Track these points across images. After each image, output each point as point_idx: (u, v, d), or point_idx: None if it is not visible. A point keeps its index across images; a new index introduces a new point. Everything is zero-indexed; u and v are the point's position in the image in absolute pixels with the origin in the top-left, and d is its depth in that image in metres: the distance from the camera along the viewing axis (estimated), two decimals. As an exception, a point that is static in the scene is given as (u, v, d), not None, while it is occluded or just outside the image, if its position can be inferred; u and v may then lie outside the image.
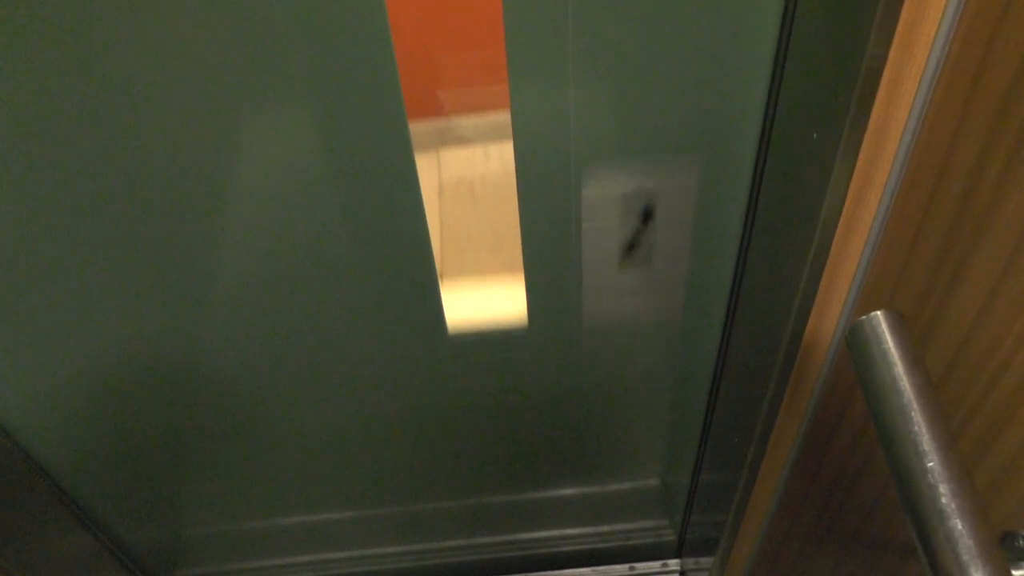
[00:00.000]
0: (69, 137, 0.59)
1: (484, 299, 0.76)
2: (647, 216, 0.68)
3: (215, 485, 0.96)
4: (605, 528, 1.12)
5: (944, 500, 0.43)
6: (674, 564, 1.17)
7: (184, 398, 0.82)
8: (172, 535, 1.04)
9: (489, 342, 0.80)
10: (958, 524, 0.42)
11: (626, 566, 1.16)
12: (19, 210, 0.63)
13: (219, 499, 0.99)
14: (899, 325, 0.49)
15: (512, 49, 0.57)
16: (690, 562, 1.12)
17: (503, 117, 0.61)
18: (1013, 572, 0.57)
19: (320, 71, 0.57)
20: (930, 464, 0.44)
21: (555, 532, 1.12)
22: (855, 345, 0.51)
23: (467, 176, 0.66)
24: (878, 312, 0.50)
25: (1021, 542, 0.50)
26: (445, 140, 0.64)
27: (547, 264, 0.72)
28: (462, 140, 0.63)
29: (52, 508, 0.90)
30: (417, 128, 0.61)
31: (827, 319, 0.64)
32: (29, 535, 0.86)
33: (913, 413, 0.46)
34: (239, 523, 1.03)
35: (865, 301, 0.62)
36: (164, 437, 0.87)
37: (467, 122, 0.62)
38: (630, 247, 0.70)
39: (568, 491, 1.04)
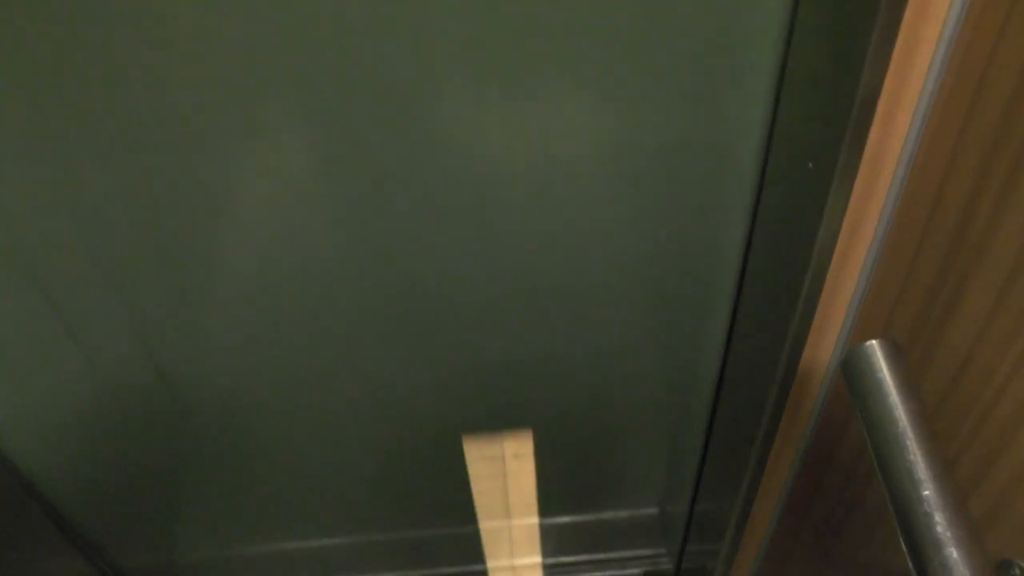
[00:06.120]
0: (70, 152, 0.59)
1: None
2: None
3: (210, 509, 0.95)
4: (601, 556, 1.12)
5: (939, 529, 0.43)
6: (670, 592, 1.16)
7: (180, 422, 0.82)
8: (166, 559, 1.03)
9: (487, 373, 0.80)
10: (953, 553, 0.42)
11: (622, 594, 1.16)
12: (16, 228, 0.64)
13: (214, 523, 0.98)
14: (894, 353, 0.50)
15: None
16: (686, 590, 1.12)
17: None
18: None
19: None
20: (925, 493, 0.44)
21: (551, 560, 1.12)
22: (850, 373, 0.51)
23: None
24: (873, 341, 0.50)
25: (1017, 571, 0.49)
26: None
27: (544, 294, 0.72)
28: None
29: (46, 530, 0.90)
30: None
31: (823, 347, 0.64)
32: (23, 557, 0.86)
33: (908, 442, 0.46)
34: (233, 548, 1.03)
35: (861, 330, 0.62)
36: (159, 460, 0.87)
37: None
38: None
39: (564, 519, 1.04)
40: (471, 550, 1.08)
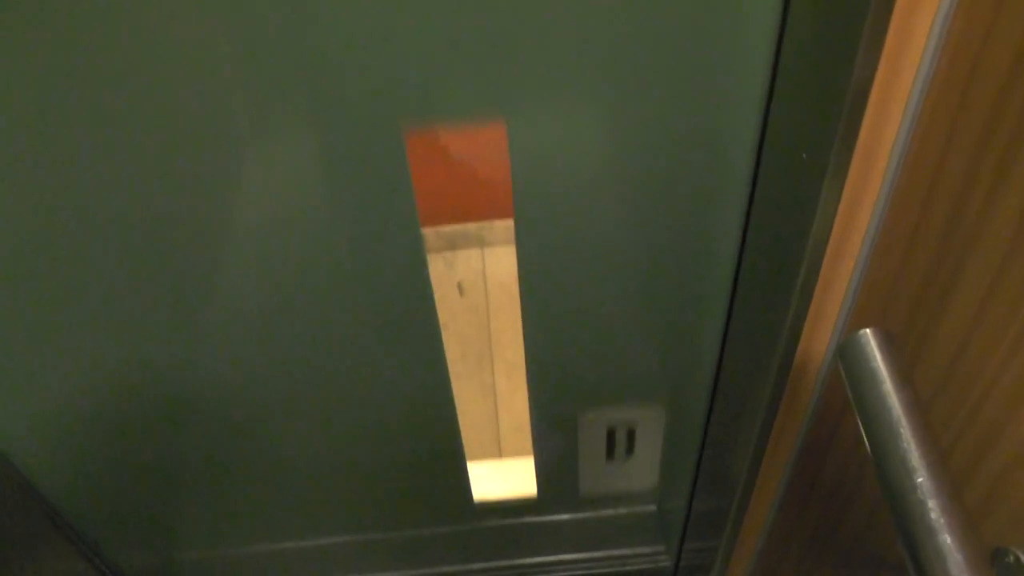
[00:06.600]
0: (70, 152, 0.59)
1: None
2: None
3: (209, 508, 0.95)
4: (600, 554, 1.12)
5: (933, 515, 0.43)
6: (669, 590, 1.16)
7: (180, 422, 0.82)
8: (165, 559, 1.03)
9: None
10: (947, 539, 0.42)
11: (621, 592, 1.16)
12: (17, 229, 0.64)
13: (214, 523, 0.98)
14: (888, 342, 0.50)
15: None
16: (685, 588, 1.11)
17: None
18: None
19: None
20: (919, 480, 0.44)
21: (550, 558, 1.12)
22: (845, 363, 0.51)
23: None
24: (867, 329, 0.50)
25: (1011, 558, 0.49)
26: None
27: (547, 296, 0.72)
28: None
29: (45, 530, 0.90)
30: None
31: (819, 338, 0.64)
32: (22, 557, 0.86)
33: (902, 429, 0.46)
34: (233, 548, 1.03)
35: (856, 320, 0.62)
36: (160, 460, 0.87)
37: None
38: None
39: (563, 516, 1.04)
40: (470, 549, 1.08)
